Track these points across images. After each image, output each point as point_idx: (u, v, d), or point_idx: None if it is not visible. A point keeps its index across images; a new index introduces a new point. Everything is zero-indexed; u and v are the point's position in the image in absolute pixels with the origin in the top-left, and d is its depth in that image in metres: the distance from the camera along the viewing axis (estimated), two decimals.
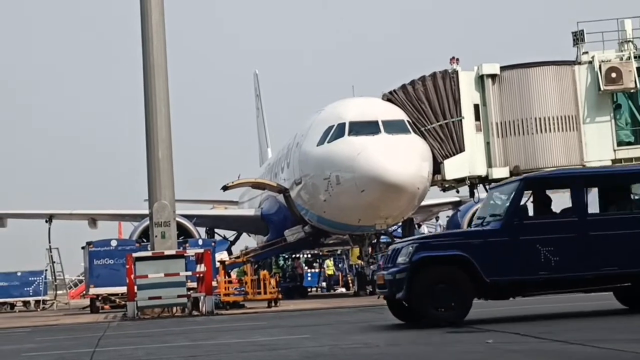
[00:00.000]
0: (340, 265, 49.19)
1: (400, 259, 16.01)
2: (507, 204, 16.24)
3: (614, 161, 31.38)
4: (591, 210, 17.02)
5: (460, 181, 32.14)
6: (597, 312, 17.31)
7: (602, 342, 11.39)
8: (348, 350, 12.79)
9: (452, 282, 15.61)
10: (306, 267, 48.63)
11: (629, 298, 17.21)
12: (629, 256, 15.93)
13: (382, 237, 38.02)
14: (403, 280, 15.71)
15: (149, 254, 27.43)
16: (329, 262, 48.60)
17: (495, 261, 15.72)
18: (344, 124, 31.23)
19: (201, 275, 27.21)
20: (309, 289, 47.16)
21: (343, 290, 46.13)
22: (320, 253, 49.04)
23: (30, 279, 44.66)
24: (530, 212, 16.72)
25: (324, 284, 48.79)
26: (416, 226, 48.58)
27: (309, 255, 49.17)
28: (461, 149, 31.10)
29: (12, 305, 45.63)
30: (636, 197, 16.98)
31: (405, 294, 15.72)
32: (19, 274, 45.16)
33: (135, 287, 26.27)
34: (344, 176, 30.56)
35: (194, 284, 28.12)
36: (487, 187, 32.82)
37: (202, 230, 44.12)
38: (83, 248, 36.81)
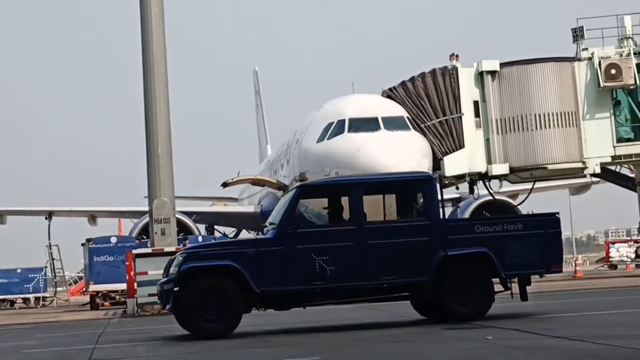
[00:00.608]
0: None
1: (171, 269, 15.70)
2: (283, 212, 15.91)
3: (614, 157, 31.37)
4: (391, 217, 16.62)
5: (460, 178, 32.11)
6: (597, 309, 17.32)
7: (601, 339, 11.39)
8: (346, 346, 12.79)
9: (222, 293, 15.26)
10: None
11: (425, 307, 16.79)
12: (406, 265, 15.61)
13: None
14: (170, 291, 15.43)
15: (148, 250, 27.46)
16: None
17: (268, 271, 15.37)
18: (343, 120, 31.21)
19: None
20: None
21: None
22: None
23: (30, 275, 44.73)
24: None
25: None
26: None
27: None
28: (461, 146, 31.07)
29: (12, 302, 45.71)
30: (416, 204, 16.56)
31: (174, 305, 15.43)
32: (18, 270, 45.24)
33: (135, 284, 26.31)
34: (344, 173, 30.48)
35: None
36: (487, 183, 32.87)
37: (201, 227, 44.15)
38: (83, 245, 36.86)
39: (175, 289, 15.33)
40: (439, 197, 16.07)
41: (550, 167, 30.87)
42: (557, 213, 16.73)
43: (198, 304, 15.22)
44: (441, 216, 16.13)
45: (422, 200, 16.18)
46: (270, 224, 16.17)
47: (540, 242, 15.95)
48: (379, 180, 17.73)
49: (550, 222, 16.25)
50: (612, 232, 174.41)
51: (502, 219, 16.87)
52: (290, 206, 15.79)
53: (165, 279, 15.80)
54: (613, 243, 58.18)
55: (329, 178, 17.08)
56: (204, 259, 15.55)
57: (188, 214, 39.80)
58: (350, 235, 15.63)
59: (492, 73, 31.35)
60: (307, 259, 15.41)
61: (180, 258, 15.56)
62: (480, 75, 31.51)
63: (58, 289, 48.10)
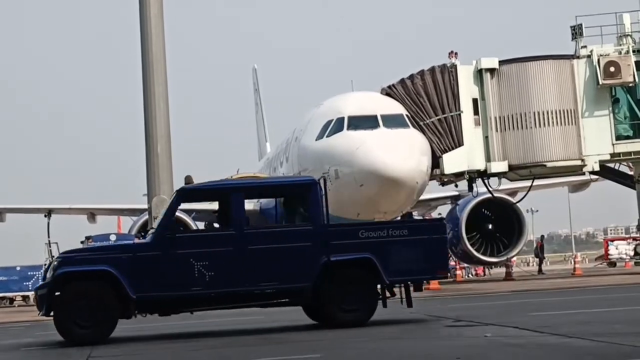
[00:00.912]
0: None
1: (48, 274, 15.55)
2: (162, 216, 15.70)
3: (613, 155, 31.38)
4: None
5: (459, 175, 32.15)
6: (595, 306, 17.33)
7: (600, 336, 11.41)
8: (345, 343, 12.81)
9: (97, 299, 15.03)
10: None
11: (315, 312, 16.46)
12: (288, 271, 15.40)
13: None
14: (45, 296, 15.21)
15: None
16: None
17: (144, 276, 15.16)
18: (342, 118, 31.22)
19: None
20: None
21: None
22: None
23: (29, 273, 44.67)
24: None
25: None
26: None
27: None
28: (460, 143, 31.08)
29: (12, 300, 45.69)
30: (301, 209, 16.34)
31: (47, 310, 15.20)
32: (18, 268, 45.19)
33: None
34: (343, 170, 30.55)
35: None
36: (486, 181, 32.88)
37: (201, 225, 44.09)
38: (82, 242, 36.78)
39: (49, 294, 15.15)
40: (323, 202, 15.81)
41: (549, 164, 30.90)
42: (443, 219, 16.67)
43: (72, 310, 15.00)
44: (325, 221, 15.80)
45: (306, 205, 15.94)
46: (151, 228, 15.97)
47: (426, 247, 15.67)
48: (261, 184, 17.47)
49: (435, 227, 16.11)
50: (611, 230, 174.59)
51: (387, 225, 16.77)
52: (169, 211, 15.61)
53: (40, 283, 15.65)
54: (612, 241, 58.31)
55: (210, 182, 16.67)
56: (79, 264, 15.28)
57: (187, 211, 39.76)
58: (230, 240, 15.40)
59: (491, 71, 31.37)
60: (185, 265, 15.18)
61: (56, 262, 15.34)
62: (479, 73, 31.53)
63: None
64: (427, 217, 51.79)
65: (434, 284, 30.94)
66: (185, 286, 15.25)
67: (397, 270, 15.60)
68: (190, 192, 16.21)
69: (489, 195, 35.02)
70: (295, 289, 15.54)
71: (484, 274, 56.65)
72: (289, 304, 16.01)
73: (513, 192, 40.82)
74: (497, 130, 31.14)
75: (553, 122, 30.79)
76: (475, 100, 31.48)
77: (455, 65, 31.53)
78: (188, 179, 16.73)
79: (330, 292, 15.43)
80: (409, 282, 16.13)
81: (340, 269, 15.52)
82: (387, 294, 16.06)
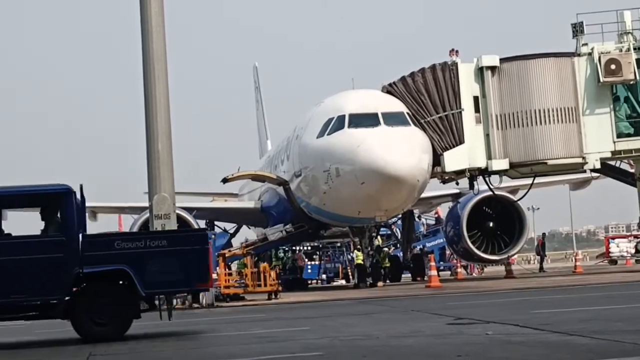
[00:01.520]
0: (340, 257, 49.04)
1: None
2: None
3: (614, 153, 31.41)
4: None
5: (459, 173, 32.18)
6: (596, 304, 17.32)
7: (601, 333, 11.40)
8: (348, 342, 12.80)
9: None
10: (306, 260, 48.53)
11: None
12: (38, 283, 14.95)
13: (381, 229, 38.10)
14: None
15: None
16: (358, 253, 45.48)
17: None
18: (343, 116, 31.25)
19: None
20: (309, 282, 47.15)
21: (343, 282, 46.10)
22: (321, 245, 48.87)
23: None
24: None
25: (323, 275, 48.68)
26: (417, 218, 48.61)
27: (309, 248, 49.09)
28: (461, 141, 31.11)
29: None
30: (56, 218, 15.64)
31: None
32: None
33: None
34: (344, 168, 30.57)
35: None
36: (487, 179, 32.88)
37: (202, 223, 44.14)
38: None
39: None
40: (77, 212, 15.39)
41: (550, 162, 30.94)
42: (206, 229, 16.43)
43: None
44: (78, 231, 15.38)
45: (60, 214, 15.46)
46: None
47: (186, 259, 15.32)
48: (14, 193, 16.35)
49: (197, 238, 15.76)
50: (612, 228, 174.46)
51: (145, 235, 16.51)
52: None
53: None
54: (613, 238, 58.26)
55: None
56: None
57: (188, 209, 39.78)
58: None
59: (492, 68, 31.39)
60: None
61: None
62: (480, 71, 31.56)
63: None
64: (421, 215, 51.76)
65: (434, 281, 30.90)
66: None
67: (154, 282, 15.22)
68: None
69: (490, 193, 35.03)
70: (47, 302, 15.19)
71: (482, 272, 56.61)
72: (42, 317, 15.62)
73: (514, 190, 40.81)
74: (498, 128, 31.16)
75: (554, 120, 30.82)
76: (476, 98, 31.52)
77: (456, 63, 31.57)
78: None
79: (83, 304, 15.11)
80: (169, 294, 15.98)
81: (94, 281, 15.17)
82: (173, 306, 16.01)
